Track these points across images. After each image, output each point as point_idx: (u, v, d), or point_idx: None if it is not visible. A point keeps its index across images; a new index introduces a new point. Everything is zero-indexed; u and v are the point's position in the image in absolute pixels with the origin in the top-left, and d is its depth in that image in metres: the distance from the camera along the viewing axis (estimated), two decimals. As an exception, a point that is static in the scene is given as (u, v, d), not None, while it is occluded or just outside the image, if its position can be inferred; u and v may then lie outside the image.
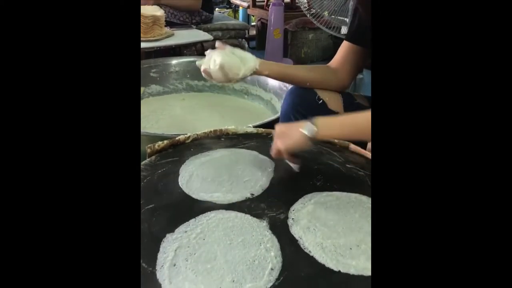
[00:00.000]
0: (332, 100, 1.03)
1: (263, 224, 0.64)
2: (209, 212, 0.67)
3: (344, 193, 0.73)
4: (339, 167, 0.82)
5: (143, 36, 1.79)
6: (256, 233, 0.62)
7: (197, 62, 0.99)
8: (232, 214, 0.67)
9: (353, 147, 0.89)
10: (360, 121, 0.74)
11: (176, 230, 0.62)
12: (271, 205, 0.69)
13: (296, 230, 0.63)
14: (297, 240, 0.61)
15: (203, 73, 0.96)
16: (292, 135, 0.75)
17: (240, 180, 0.77)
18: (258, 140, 0.94)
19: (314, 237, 0.62)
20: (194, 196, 0.72)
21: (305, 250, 0.59)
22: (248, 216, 0.66)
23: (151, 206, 0.68)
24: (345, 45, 1.03)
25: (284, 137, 0.76)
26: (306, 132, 0.73)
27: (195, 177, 0.77)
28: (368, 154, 0.86)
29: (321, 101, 1.01)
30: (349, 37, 1.03)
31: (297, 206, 0.69)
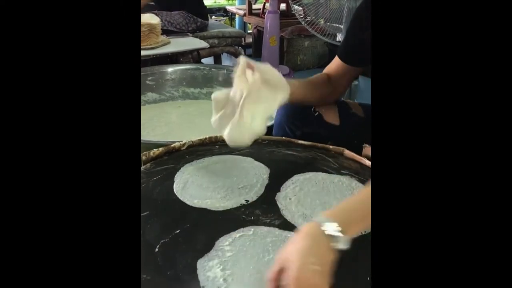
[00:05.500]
0: (328, 112, 1.01)
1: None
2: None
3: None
4: (333, 173, 0.82)
5: (139, 44, 1.80)
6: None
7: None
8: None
9: (347, 153, 0.89)
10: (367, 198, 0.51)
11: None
12: (266, 211, 0.70)
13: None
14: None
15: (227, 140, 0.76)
16: (326, 262, 0.50)
17: (235, 186, 0.77)
18: (253, 146, 0.93)
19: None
20: (189, 203, 0.72)
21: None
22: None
23: (145, 213, 0.68)
24: (339, 63, 1.00)
25: (322, 273, 0.49)
26: (343, 247, 0.51)
27: (190, 184, 0.77)
28: (363, 160, 0.86)
29: (317, 113, 1.00)
30: (343, 57, 0.99)
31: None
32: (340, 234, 0.51)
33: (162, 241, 0.61)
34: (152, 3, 2.34)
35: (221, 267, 0.57)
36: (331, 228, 0.51)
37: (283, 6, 3.10)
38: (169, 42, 1.98)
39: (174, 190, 0.75)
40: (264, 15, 2.81)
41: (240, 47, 2.68)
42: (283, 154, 0.90)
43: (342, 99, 1.11)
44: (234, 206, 0.71)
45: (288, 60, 3.04)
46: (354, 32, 0.97)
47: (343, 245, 0.51)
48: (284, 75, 0.78)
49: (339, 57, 1.00)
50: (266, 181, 0.79)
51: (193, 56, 2.11)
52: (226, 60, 3.03)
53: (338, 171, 0.83)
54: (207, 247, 0.61)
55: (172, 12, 2.29)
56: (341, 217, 0.53)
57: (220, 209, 0.70)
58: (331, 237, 0.51)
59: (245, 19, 3.44)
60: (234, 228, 0.65)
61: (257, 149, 0.92)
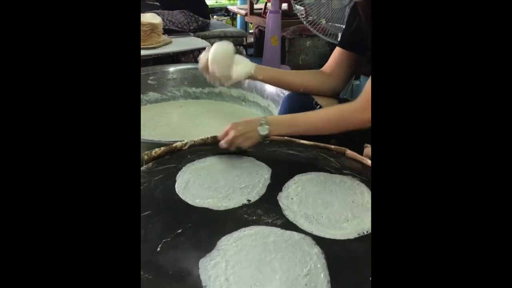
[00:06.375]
0: (329, 105, 1.04)
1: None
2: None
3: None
4: (335, 173, 0.82)
5: (141, 44, 1.80)
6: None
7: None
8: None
9: (349, 153, 0.89)
10: (310, 119, 0.88)
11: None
12: (268, 211, 0.69)
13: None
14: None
15: (200, 69, 0.97)
16: (251, 135, 0.86)
17: (237, 186, 0.77)
18: (255, 146, 0.93)
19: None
20: (191, 202, 0.72)
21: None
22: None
23: (147, 212, 0.68)
24: (338, 51, 1.04)
25: (244, 137, 0.86)
26: (262, 133, 0.86)
27: (191, 184, 0.77)
28: (364, 160, 0.86)
29: (318, 106, 1.02)
30: (343, 43, 1.03)
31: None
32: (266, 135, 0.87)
33: (164, 240, 0.61)
34: (155, 2, 2.35)
35: (223, 266, 0.57)
36: (263, 130, 0.86)
37: (284, 6, 3.10)
38: (170, 42, 1.99)
39: (176, 190, 0.75)
40: (265, 15, 2.81)
41: (241, 47, 2.68)
42: (285, 153, 0.90)
43: (343, 96, 1.13)
44: (236, 205, 0.71)
45: (290, 60, 3.04)
46: (352, 19, 1.02)
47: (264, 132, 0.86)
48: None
49: (340, 45, 1.05)
50: (268, 181, 0.79)
51: (195, 55, 2.11)
52: (227, 60, 3.02)
53: (340, 171, 0.83)
54: (209, 246, 0.60)
55: (174, 11, 2.30)
56: (275, 122, 0.88)
57: (222, 208, 0.70)
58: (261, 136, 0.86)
59: (247, 18, 3.44)
60: (236, 228, 0.64)
61: (258, 149, 0.92)
